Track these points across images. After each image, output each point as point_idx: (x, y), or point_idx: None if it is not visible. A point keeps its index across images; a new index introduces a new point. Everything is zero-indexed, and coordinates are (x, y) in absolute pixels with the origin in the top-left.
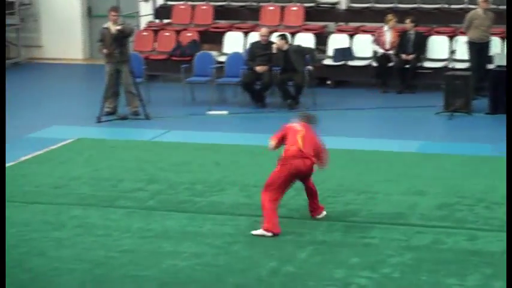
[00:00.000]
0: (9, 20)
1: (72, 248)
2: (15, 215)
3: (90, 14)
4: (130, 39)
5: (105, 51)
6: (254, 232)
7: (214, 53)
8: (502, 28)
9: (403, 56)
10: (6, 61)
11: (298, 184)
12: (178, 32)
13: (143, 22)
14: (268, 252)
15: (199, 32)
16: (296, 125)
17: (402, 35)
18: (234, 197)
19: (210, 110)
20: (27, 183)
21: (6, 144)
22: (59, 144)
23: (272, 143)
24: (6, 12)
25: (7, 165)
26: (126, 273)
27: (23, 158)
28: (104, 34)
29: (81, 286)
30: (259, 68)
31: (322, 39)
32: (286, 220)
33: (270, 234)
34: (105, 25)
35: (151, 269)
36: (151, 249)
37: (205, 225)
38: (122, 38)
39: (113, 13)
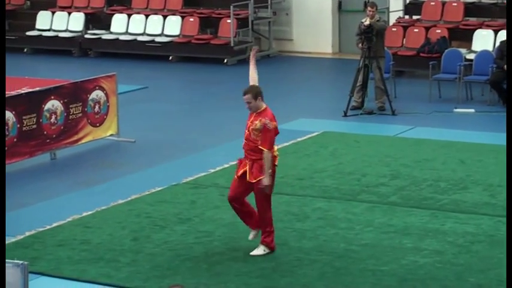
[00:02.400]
0: (262, 14)
1: (314, 240)
2: None
3: (340, 8)
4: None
5: (359, 45)
6: (254, 253)
7: (463, 50)
8: None
9: None
10: (258, 53)
11: None
12: (427, 29)
13: (393, 18)
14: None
15: (449, 29)
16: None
17: None
18: (477, 196)
19: (456, 108)
20: None
21: None
22: (305, 137)
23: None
24: (260, 5)
25: None
26: (365, 267)
27: None
28: (360, 28)
29: (321, 277)
30: None
31: None
32: None
33: (269, 250)
34: (363, 20)
35: (391, 264)
36: (392, 245)
37: (447, 223)
38: (370, 33)
39: (369, 8)
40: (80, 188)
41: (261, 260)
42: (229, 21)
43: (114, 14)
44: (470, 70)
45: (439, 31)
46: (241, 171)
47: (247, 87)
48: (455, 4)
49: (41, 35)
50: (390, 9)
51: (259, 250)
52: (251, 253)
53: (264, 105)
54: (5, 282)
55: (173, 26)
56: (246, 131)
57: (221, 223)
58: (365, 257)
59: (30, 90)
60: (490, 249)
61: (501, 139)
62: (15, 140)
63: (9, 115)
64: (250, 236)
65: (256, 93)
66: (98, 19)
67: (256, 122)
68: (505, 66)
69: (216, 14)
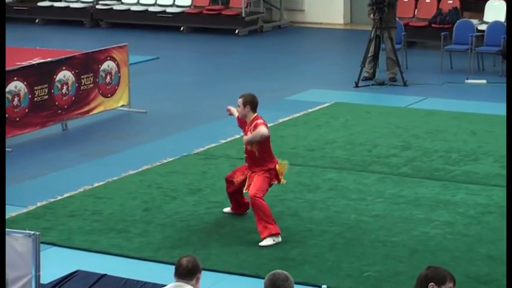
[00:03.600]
0: None
1: (324, 211)
2: None
3: None
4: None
5: (371, 16)
6: (263, 244)
7: (474, 21)
8: None
9: None
10: (269, 24)
11: None
12: None
13: None
14: None
15: (461, 0)
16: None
17: None
18: (488, 167)
19: (468, 79)
20: (284, 144)
21: (266, 105)
22: (316, 108)
23: None
24: None
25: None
26: (376, 238)
27: (281, 120)
28: None
29: (331, 248)
30: None
31: None
32: None
33: (279, 239)
34: None
35: (402, 235)
36: (403, 216)
37: (458, 194)
38: (382, 3)
39: None
40: (91, 159)
41: None
42: None
43: None
44: (482, 41)
45: (450, 2)
46: (240, 178)
47: (246, 93)
48: None
49: (52, 6)
50: None
51: (269, 241)
52: (260, 244)
53: (254, 115)
54: (5, 281)
55: None
56: (244, 146)
57: None
58: (376, 228)
59: (42, 60)
60: (501, 220)
61: None
62: (26, 110)
63: (20, 86)
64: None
65: (246, 101)
66: None
67: (249, 132)
68: None
69: None
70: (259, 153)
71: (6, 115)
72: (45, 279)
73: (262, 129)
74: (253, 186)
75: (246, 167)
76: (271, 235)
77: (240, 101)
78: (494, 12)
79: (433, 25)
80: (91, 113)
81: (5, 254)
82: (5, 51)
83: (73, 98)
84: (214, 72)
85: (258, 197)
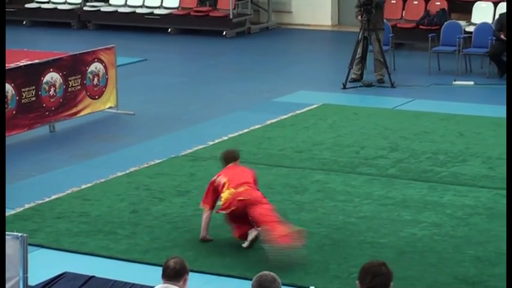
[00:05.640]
0: None
1: (312, 212)
2: (260, 177)
3: None
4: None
5: (359, 17)
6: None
7: (462, 22)
8: None
9: None
10: (257, 26)
11: None
12: (426, 1)
13: None
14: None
15: (448, 1)
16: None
17: None
18: (476, 168)
19: (455, 80)
20: (272, 146)
21: (254, 106)
22: (304, 109)
23: None
24: None
25: (254, 127)
26: (364, 239)
27: (269, 122)
28: (360, 0)
29: (319, 249)
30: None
31: None
32: None
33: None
34: None
35: (390, 236)
36: (391, 217)
37: (445, 196)
38: (369, 5)
39: None
40: (79, 161)
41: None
42: None
43: None
44: (470, 42)
45: (438, 3)
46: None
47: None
48: None
49: (40, 7)
50: None
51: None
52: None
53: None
54: (5, 282)
55: None
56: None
57: None
58: (363, 229)
59: (29, 62)
60: (489, 222)
61: (500, 112)
62: (14, 112)
63: (8, 87)
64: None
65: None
66: None
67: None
68: (502, 35)
69: None
70: None
71: None
72: (32, 281)
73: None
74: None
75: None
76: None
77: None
78: (482, 13)
79: (421, 26)
80: (78, 115)
81: (5, 254)
82: (4, 52)
83: (60, 100)
84: (202, 73)
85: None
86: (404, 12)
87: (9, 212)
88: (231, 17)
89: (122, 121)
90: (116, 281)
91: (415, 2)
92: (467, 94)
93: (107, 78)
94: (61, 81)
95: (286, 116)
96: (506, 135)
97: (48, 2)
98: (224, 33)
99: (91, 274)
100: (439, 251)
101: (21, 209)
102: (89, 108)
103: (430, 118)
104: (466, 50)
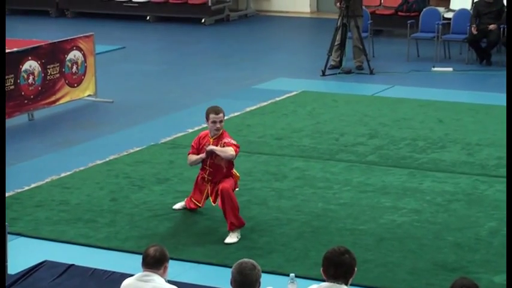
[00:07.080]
0: None
1: (292, 199)
2: (238, 164)
3: None
4: None
5: (337, 4)
6: (228, 241)
7: (441, 9)
8: None
9: None
10: (236, 13)
11: None
12: None
13: None
14: (488, 212)
15: None
16: None
17: None
18: (455, 154)
19: (434, 67)
20: (251, 133)
21: (233, 94)
22: (283, 96)
23: None
24: None
25: (233, 115)
26: (344, 226)
27: (248, 109)
28: None
29: (299, 237)
30: (492, 27)
31: None
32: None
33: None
34: None
35: (370, 223)
36: (370, 204)
37: (425, 182)
38: None
39: None
40: (58, 149)
41: None
42: None
43: None
44: (449, 29)
45: None
46: (202, 199)
47: (218, 107)
48: None
49: None
50: None
51: (233, 238)
52: (225, 241)
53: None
54: (5, 281)
55: None
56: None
57: None
58: (343, 216)
59: (8, 50)
60: (468, 208)
61: (479, 98)
62: None
63: None
64: None
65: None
66: None
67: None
68: (473, 28)
69: None
70: (227, 169)
71: None
72: (12, 270)
73: (233, 152)
74: (226, 183)
75: (202, 183)
76: (238, 227)
77: (222, 115)
78: (461, 0)
79: (400, 13)
80: (57, 103)
81: (5, 254)
82: (4, 50)
83: (39, 88)
84: (181, 61)
85: (232, 189)
86: None
87: None
88: (209, 4)
89: (101, 109)
90: (96, 269)
91: None
92: (446, 80)
93: (86, 66)
94: (40, 69)
95: (265, 103)
96: (507, 136)
97: None
98: (203, 20)
99: (71, 262)
100: (419, 237)
101: None
102: (68, 96)
103: (409, 105)
104: (445, 36)
